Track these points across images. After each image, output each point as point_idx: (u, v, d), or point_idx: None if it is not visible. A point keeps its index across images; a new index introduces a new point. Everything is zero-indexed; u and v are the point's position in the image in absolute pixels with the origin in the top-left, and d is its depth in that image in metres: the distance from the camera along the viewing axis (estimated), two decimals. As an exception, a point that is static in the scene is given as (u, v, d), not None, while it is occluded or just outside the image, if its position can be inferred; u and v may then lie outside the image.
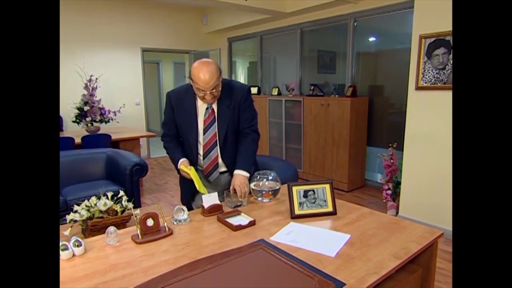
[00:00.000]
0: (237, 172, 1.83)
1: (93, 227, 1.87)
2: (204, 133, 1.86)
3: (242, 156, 1.88)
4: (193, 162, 1.90)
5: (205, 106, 1.84)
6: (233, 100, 1.85)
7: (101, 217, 1.89)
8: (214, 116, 1.85)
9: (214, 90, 1.71)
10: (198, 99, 1.82)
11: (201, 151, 1.90)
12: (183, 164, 1.84)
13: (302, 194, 1.65)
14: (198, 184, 1.78)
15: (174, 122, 1.91)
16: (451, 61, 2.99)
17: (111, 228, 1.39)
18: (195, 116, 1.86)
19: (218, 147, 1.88)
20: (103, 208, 1.88)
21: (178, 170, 1.89)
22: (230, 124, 1.86)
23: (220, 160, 1.92)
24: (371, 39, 4.88)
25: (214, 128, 1.86)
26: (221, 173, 1.98)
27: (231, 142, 1.90)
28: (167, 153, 1.96)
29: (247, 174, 1.84)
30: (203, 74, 1.65)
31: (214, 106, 1.85)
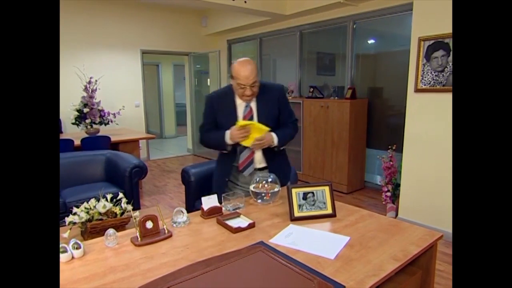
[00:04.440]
0: (271, 133, 1.93)
1: (92, 229, 1.87)
2: None
3: (280, 131, 1.99)
4: (232, 159, 2.03)
5: (244, 104, 1.97)
6: (271, 97, 2.00)
7: (100, 219, 1.89)
8: (252, 114, 1.97)
9: (254, 86, 1.86)
10: (237, 98, 1.96)
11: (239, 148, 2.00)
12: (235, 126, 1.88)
13: (301, 196, 1.65)
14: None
15: (215, 122, 2.02)
16: (450, 64, 3.00)
17: (110, 231, 1.39)
18: (235, 114, 1.98)
19: None
20: (102, 210, 1.88)
21: (225, 148, 1.97)
22: (269, 119, 1.96)
23: (255, 156, 2.01)
24: (371, 41, 4.89)
25: None
26: (258, 169, 2.04)
27: None
28: (209, 141, 2.03)
29: (276, 141, 1.94)
30: (244, 70, 1.82)
31: (253, 105, 1.97)
